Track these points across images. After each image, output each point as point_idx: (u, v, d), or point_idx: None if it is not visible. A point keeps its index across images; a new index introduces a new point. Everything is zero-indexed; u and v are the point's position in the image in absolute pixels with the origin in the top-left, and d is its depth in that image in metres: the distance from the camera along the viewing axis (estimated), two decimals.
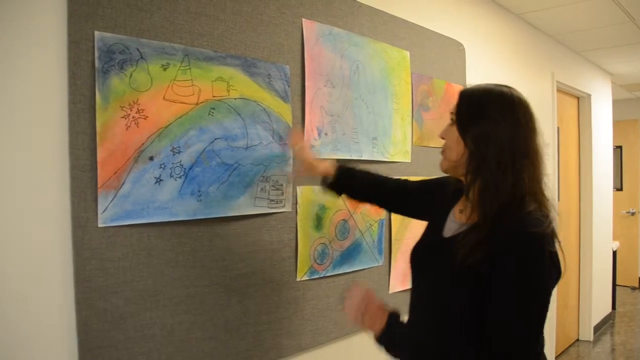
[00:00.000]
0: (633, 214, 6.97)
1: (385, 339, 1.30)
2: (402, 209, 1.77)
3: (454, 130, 1.30)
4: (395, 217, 2.25)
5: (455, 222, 1.34)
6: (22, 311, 1.22)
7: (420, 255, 1.45)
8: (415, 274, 1.47)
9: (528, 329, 1.15)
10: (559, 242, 1.20)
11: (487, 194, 1.21)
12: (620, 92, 6.70)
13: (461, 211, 1.33)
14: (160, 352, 1.45)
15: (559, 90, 4.38)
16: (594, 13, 3.57)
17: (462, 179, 1.31)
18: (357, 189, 1.68)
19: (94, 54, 1.30)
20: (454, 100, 2.14)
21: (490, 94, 1.27)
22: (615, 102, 6.19)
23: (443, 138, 1.36)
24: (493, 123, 1.22)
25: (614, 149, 6.33)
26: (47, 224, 1.25)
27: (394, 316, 1.32)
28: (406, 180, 1.73)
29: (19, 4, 1.21)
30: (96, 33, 1.30)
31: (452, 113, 1.33)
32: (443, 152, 1.36)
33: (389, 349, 1.30)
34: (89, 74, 1.30)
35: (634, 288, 7.10)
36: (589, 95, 5.03)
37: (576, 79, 4.73)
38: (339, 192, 1.68)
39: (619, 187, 7.19)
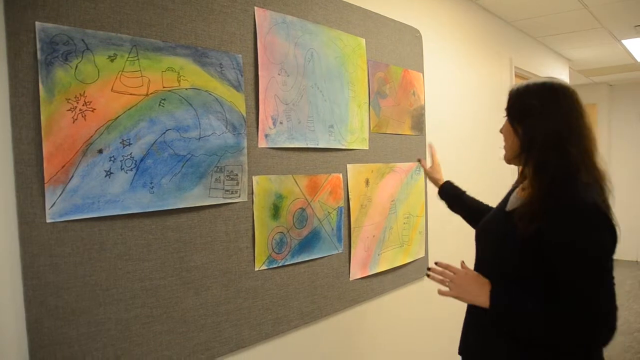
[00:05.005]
0: None
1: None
2: None
3: (507, 125, 1.51)
4: (354, 205, 2.27)
5: (517, 198, 1.52)
6: None
7: (483, 228, 1.61)
8: (477, 247, 1.61)
9: (598, 290, 1.28)
10: (611, 210, 1.36)
11: (538, 173, 1.39)
12: (578, 77, 6.84)
13: (523, 189, 1.50)
14: (115, 348, 1.43)
15: (517, 76, 4.45)
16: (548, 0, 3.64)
17: (521, 166, 1.52)
18: (455, 203, 2.07)
19: (35, 45, 1.27)
20: (411, 86, 2.34)
21: (532, 89, 1.46)
22: (573, 87, 6.32)
23: (501, 132, 1.56)
24: (537, 113, 1.41)
25: None
26: None
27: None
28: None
29: None
30: (37, 24, 1.27)
31: (505, 109, 1.53)
32: (504, 145, 1.55)
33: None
34: (31, 66, 1.27)
35: None
36: None
37: (534, 65, 4.81)
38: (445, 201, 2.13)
39: None
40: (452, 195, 2.09)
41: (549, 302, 1.31)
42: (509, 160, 1.56)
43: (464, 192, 2.08)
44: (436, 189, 2.19)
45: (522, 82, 1.52)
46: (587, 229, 1.29)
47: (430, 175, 2.26)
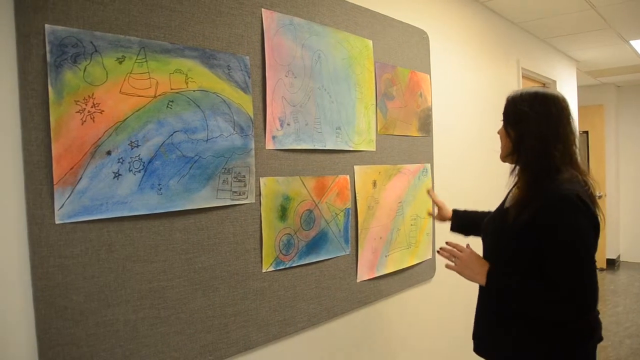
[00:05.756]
0: (600, 197, 7.09)
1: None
2: None
3: (502, 127, 1.73)
4: (362, 206, 2.27)
5: (513, 195, 1.71)
6: None
7: (487, 224, 1.82)
8: (483, 242, 1.82)
9: (581, 272, 1.45)
10: (595, 201, 1.55)
11: (525, 171, 1.62)
12: (585, 79, 6.82)
13: (518, 187, 1.69)
14: (123, 348, 1.44)
15: (524, 77, 4.43)
16: (555, 0, 3.62)
17: (513, 164, 1.73)
18: (466, 229, 2.21)
19: (45, 47, 1.27)
20: (418, 88, 2.45)
21: (525, 96, 1.65)
22: (581, 88, 6.31)
23: (498, 134, 1.76)
24: (527, 119, 1.60)
25: (580, 134, 6.43)
26: (1, 222, 1.23)
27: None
28: None
29: None
30: (47, 26, 1.28)
31: (502, 114, 1.73)
32: (500, 145, 1.76)
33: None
34: (41, 69, 1.27)
35: (601, 269, 7.27)
36: (554, 82, 5.10)
37: (541, 66, 4.79)
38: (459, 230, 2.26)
39: None
40: (463, 226, 2.24)
41: (535, 281, 1.51)
42: (502, 158, 1.76)
43: (471, 216, 2.20)
44: (445, 198, 2.33)
45: (518, 90, 1.71)
46: (564, 214, 1.46)
47: (441, 220, 2.36)
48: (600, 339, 1.61)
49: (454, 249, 1.72)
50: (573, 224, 1.46)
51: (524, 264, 1.55)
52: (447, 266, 1.73)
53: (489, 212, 2.06)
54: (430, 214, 2.47)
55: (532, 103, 1.62)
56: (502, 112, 1.72)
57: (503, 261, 1.62)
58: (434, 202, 2.37)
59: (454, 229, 2.26)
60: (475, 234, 2.10)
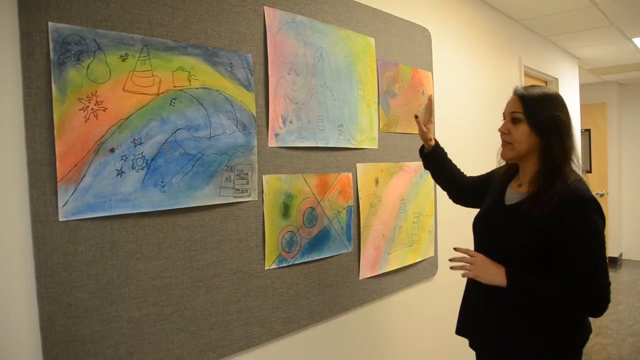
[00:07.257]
0: (602, 195, 7.10)
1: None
2: (464, 201, 2.15)
3: (523, 128, 1.63)
4: (364, 204, 2.27)
5: (516, 193, 1.71)
6: None
7: (486, 223, 1.78)
8: (479, 239, 1.81)
9: (601, 269, 1.51)
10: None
11: (552, 170, 1.59)
12: (587, 76, 6.80)
13: (520, 185, 1.71)
14: (127, 345, 1.44)
15: (526, 75, 4.43)
16: None
17: (519, 163, 1.72)
18: (440, 168, 2.12)
19: (48, 45, 1.28)
20: (420, 85, 2.32)
21: (549, 96, 1.63)
22: (583, 86, 6.29)
23: (505, 133, 1.68)
24: (557, 119, 1.59)
25: (582, 132, 6.43)
26: (5, 220, 1.23)
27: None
28: (468, 177, 2.12)
29: None
30: (50, 24, 1.28)
31: (514, 112, 1.65)
32: (508, 144, 1.68)
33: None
34: (44, 66, 1.28)
35: None
36: (557, 80, 5.10)
37: (543, 64, 4.79)
38: (426, 166, 2.16)
39: (588, 170, 7.34)
40: (436, 167, 2.13)
41: (555, 278, 1.53)
42: (513, 158, 1.70)
43: (445, 162, 2.11)
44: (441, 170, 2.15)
45: (531, 87, 1.66)
46: (586, 215, 1.51)
47: (422, 135, 2.10)
48: (591, 330, 1.69)
49: (465, 256, 1.68)
50: (595, 225, 1.51)
51: (534, 261, 1.57)
52: (464, 275, 1.68)
53: (455, 170, 2.11)
54: (417, 119, 2.09)
55: (557, 103, 1.63)
56: (510, 109, 1.66)
57: (516, 259, 1.60)
58: (427, 108, 2.12)
59: (423, 157, 2.15)
60: (441, 181, 2.15)
